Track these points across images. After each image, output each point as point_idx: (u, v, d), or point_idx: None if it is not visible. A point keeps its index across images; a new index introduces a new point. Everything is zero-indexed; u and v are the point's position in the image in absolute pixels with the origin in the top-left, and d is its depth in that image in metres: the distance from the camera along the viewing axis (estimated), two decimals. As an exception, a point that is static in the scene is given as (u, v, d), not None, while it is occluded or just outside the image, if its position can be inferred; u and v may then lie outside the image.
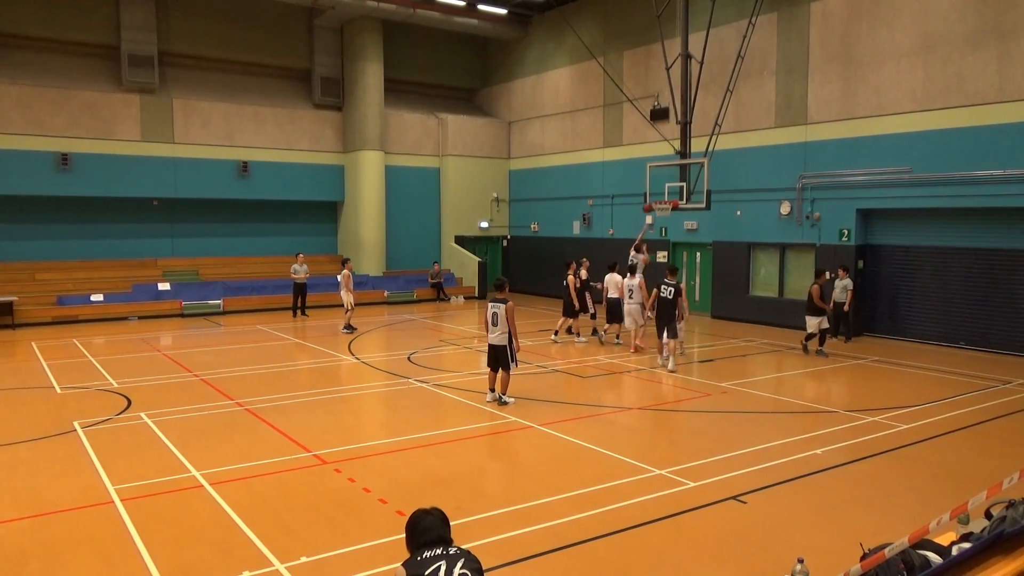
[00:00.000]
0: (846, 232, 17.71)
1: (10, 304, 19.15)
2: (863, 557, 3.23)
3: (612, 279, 16.48)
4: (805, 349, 15.25)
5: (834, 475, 7.90)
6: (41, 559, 5.86)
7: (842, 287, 16.46)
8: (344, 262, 19.84)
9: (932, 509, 6.54)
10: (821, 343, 15.15)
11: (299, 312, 21.47)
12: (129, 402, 11.01)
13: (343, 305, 18.76)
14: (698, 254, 21.96)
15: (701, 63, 18.91)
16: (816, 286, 14.90)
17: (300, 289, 21.32)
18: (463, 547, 3.45)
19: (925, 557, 3.21)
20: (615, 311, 16.31)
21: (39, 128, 21.15)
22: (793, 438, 9.23)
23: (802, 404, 11.14)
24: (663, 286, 13.89)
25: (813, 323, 15.01)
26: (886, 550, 3.10)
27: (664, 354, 13.84)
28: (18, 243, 21.79)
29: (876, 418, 10.22)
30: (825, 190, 18.12)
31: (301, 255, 21.43)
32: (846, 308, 16.47)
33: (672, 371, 13.37)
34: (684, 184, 19.04)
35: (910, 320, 17.09)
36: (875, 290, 17.72)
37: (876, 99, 16.98)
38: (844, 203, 17.74)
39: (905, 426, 9.78)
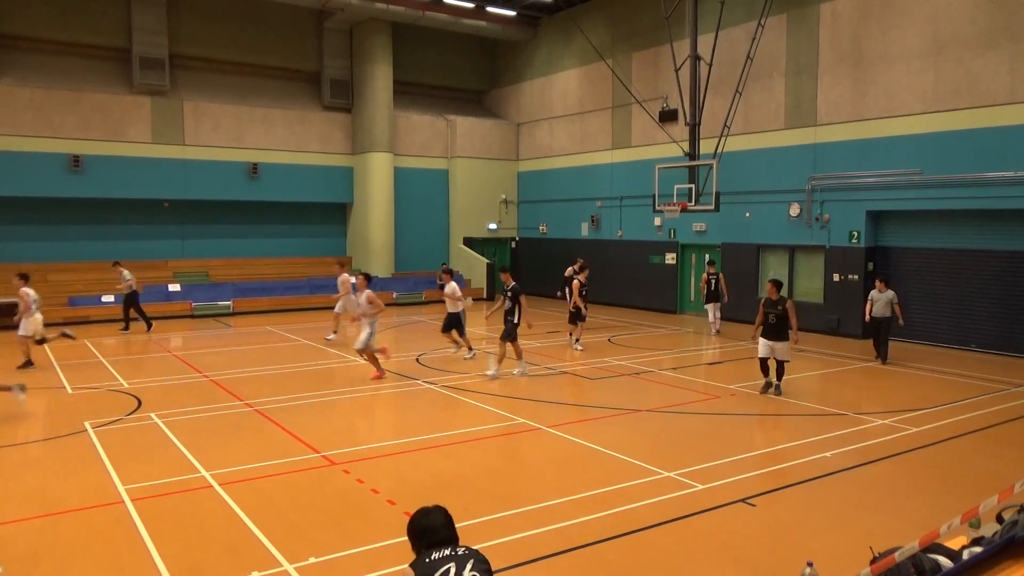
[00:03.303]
0: (856, 234, 17.64)
1: (12, 305, 19.22)
2: (873, 561, 3.21)
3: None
4: (768, 388, 11.75)
5: (844, 478, 7.86)
6: (52, 558, 5.90)
7: (886, 301, 14.34)
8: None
9: (943, 513, 6.50)
10: (779, 375, 11.76)
11: (129, 323, 18.88)
12: (139, 402, 11.07)
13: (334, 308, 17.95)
14: (707, 256, 21.90)
15: (710, 64, 18.88)
16: (791, 301, 11.70)
17: (132, 299, 18.72)
18: (472, 547, 3.44)
19: (936, 561, 3.19)
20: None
21: (51, 130, 21.30)
22: (802, 441, 9.19)
23: (811, 407, 11.09)
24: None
25: (783, 349, 11.61)
26: (896, 554, 3.08)
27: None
28: (30, 244, 21.95)
29: (886, 421, 10.16)
30: (835, 192, 18.05)
31: (121, 262, 19.20)
32: (900, 322, 14.46)
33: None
34: (693, 186, 19.01)
35: (920, 322, 16.99)
36: (885, 292, 17.64)
37: (886, 100, 16.91)
38: (854, 205, 17.67)
39: (915, 429, 9.72)
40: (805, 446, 8.96)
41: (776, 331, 11.52)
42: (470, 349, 14.94)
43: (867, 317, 14.76)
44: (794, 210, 18.86)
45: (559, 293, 18.29)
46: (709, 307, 18.63)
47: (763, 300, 11.87)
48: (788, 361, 11.82)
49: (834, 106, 17.97)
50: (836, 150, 17.96)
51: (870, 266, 17.51)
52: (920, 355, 15.51)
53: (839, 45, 17.80)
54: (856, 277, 17.60)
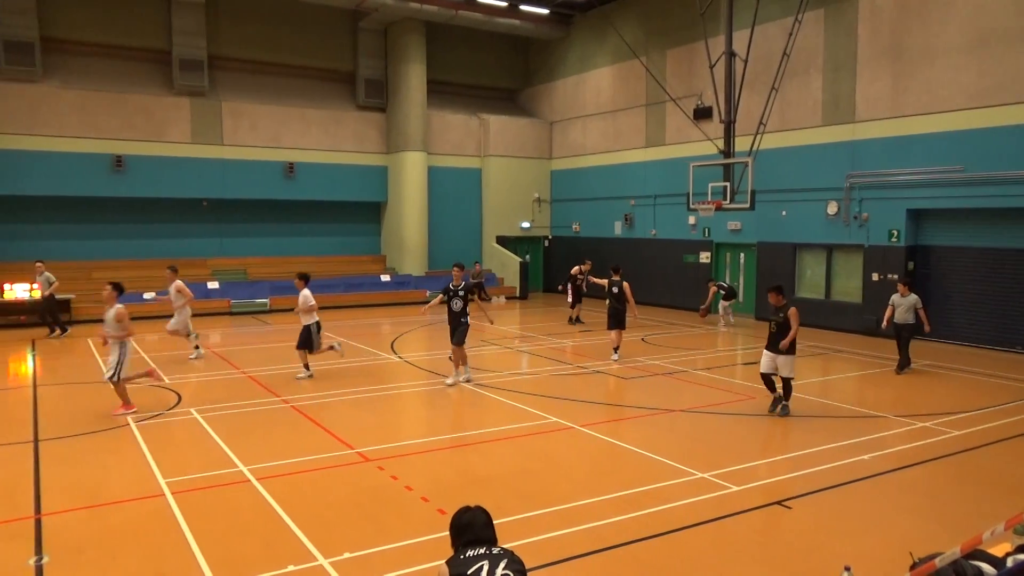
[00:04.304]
0: (896, 233, 17.30)
1: (67, 302, 19.81)
2: (913, 566, 3.17)
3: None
4: (777, 406, 10.48)
5: (882, 481, 7.72)
6: (96, 548, 6.06)
7: (908, 305, 13.30)
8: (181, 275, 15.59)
9: (986, 519, 6.36)
10: (786, 394, 10.47)
11: (58, 329, 17.89)
12: (179, 398, 11.30)
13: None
14: (742, 255, 21.67)
15: (745, 61, 18.67)
16: (795, 308, 10.24)
17: (51, 302, 17.94)
18: (506, 547, 3.46)
19: (978, 568, 3.13)
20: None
21: (95, 131, 21.83)
22: (840, 443, 9.04)
23: (849, 408, 10.91)
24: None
25: (786, 364, 10.33)
26: (937, 560, 3.03)
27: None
28: (75, 243, 22.52)
29: (927, 423, 9.96)
30: (874, 190, 17.73)
31: (41, 263, 18.22)
32: (927, 328, 13.39)
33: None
34: (728, 184, 18.81)
35: (963, 323, 16.61)
36: (926, 293, 17.21)
37: (927, 96, 16.55)
38: (894, 203, 17.33)
39: (957, 432, 9.51)
40: (842, 448, 8.82)
41: (778, 341, 10.20)
42: (307, 369, 12.99)
43: (884, 323, 13.55)
44: (832, 208, 18.56)
45: (560, 287, 20.37)
46: (724, 304, 19.54)
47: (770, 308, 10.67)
48: (793, 378, 10.47)
49: (873, 102, 17.64)
50: (875, 147, 17.63)
51: (910, 265, 17.16)
52: (962, 357, 15.17)
53: (879, 40, 17.47)
54: (896, 277, 17.25)
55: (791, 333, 10.05)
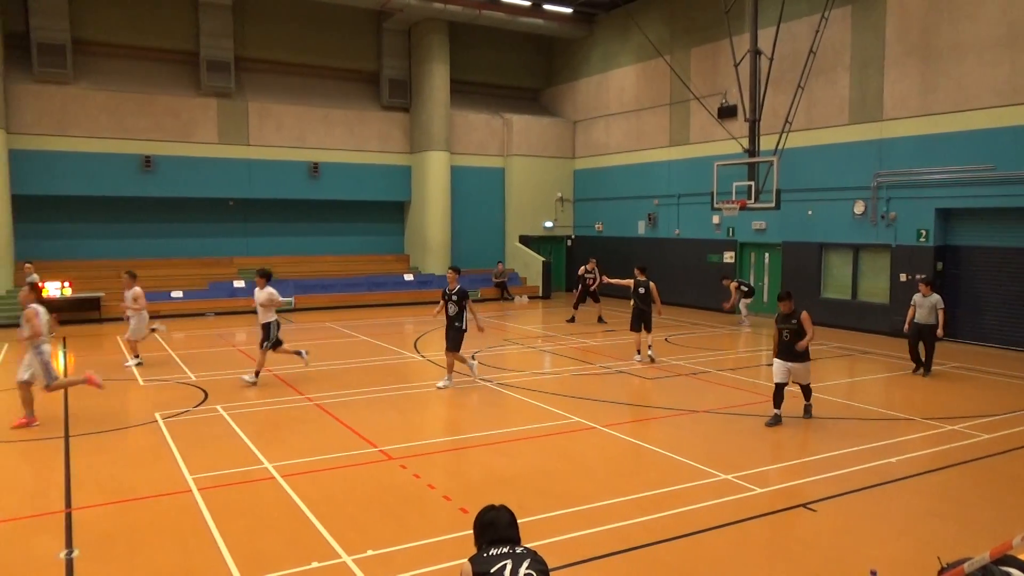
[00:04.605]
0: (924, 233, 17.05)
1: (97, 300, 20.17)
2: (941, 571, 3.13)
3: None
4: (778, 421, 9.94)
5: (910, 485, 7.62)
6: (124, 542, 6.16)
7: (930, 306, 12.88)
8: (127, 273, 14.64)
9: (1015, 524, 6.26)
10: (807, 395, 10.29)
11: None
12: (206, 395, 11.46)
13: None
14: (766, 255, 21.48)
15: (771, 59, 18.51)
16: (807, 313, 10.02)
17: None
18: (529, 547, 3.47)
19: (1008, 573, 3.08)
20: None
21: (124, 132, 22.17)
22: (866, 445, 8.94)
23: (875, 410, 10.78)
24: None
25: (802, 371, 10.03)
26: (965, 565, 2.99)
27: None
28: (105, 241, 22.92)
29: (955, 427, 9.81)
30: (902, 189, 17.48)
31: (30, 264, 18.09)
32: (939, 333, 12.88)
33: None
34: (753, 183, 18.68)
35: (993, 325, 16.32)
36: (955, 293, 16.98)
37: (957, 94, 16.28)
38: (922, 202, 17.07)
39: (987, 436, 9.36)
40: (869, 451, 8.71)
41: (792, 349, 9.87)
42: (256, 376, 12.40)
43: (906, 325, 13.16)
44: (859, 208, 18.34)
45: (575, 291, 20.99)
46: (743, 304, 19.63)
47: (776, 316, 10.28)
48: (810, 384, 10.23)
49: (901, 100, 17.39)
50: (903, 146, 17.38)
51: (939, 265, 16.90)
52: (992, 359, 14.90)
53: (907, 37, 17.22)
54: (924, 277, 16.99)
55: (809, 336, 9.85)
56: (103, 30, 22.72)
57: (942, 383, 12.80)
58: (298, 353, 12.96)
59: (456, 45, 26.95)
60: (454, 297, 12.02)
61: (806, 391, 10.27)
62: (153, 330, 14.03)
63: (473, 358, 12.86)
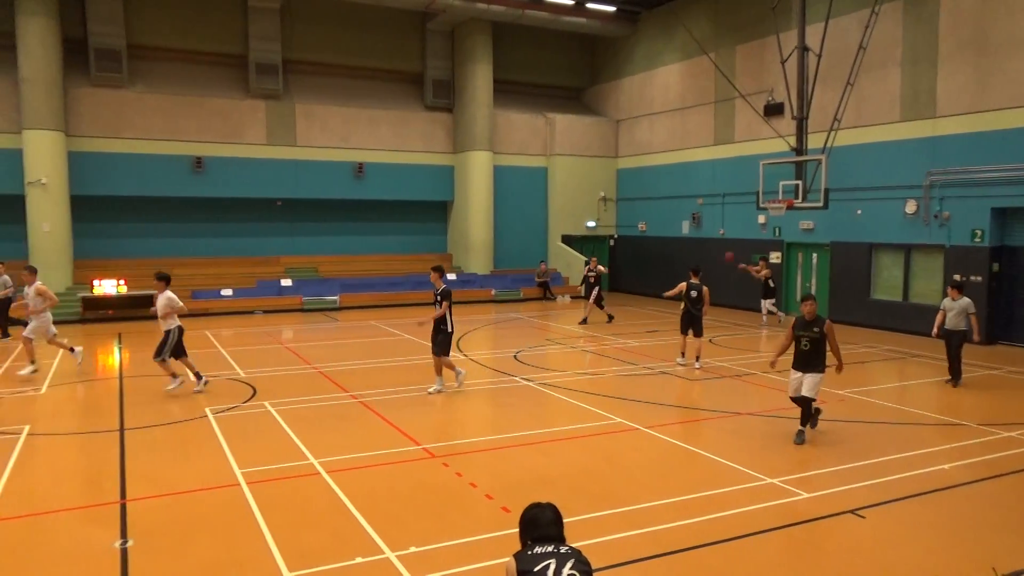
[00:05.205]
0: (979, 233, 16.53)
1: (151, 297, 20.60)
2: (994, 582, 3.04)
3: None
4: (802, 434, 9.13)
5: (963, 493, 7.41)
6: (173, 535, 6.33)
7: (960, 310, 12.13)
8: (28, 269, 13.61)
9: (1076, 534, 6.04)
10: (804, 416, 9.16)
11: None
12: (254, 391, 11.70)
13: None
14: (814, 255, 21.06)
15: (819, 55, 18.15)
16: (830, 322, 9.18)
17: (3, 305, 16.82)
18: (574, 546, 3.47)
19: (1066, 586, 2.98)
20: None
21: (176, 134, 22.76)
22: (917, 451, 8.71)
23: (928, 415, 10.50)
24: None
25: (811, 383, 9.07)
26: (1021, 576, 2.90)
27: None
28: (158, 241, 23.57)
29: (1012, 433, 9.50)
30: (955, 187, 16.98)
31: (1, 264, 17.20)
32: (976, 337, 12.27)
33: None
34: (800, 182, 18.35)
35: (1053, 328, 15.77)
36: (1012, 295, 16.45)
37: (1013, 89, 15.76)
38: (977, 201, 16.56)
39: (1046, 443, 9.05)
40: (921, 457, 8.49)
41: (810, 360, 9.01)
42: (197, 378, 11.86)
43: (935, 330, 12.35)
44: (910, 207, 17.87)
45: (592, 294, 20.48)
46: (767, 302, 19.62)
47: (793, 322, 9.36)
48: (815, 400, 9.12)
49: (955, 96, 16.90)
50: (957, 143, 16.88)
51: (995, 266, 16.38)
52: (1052, 363, 14.39)
53: (961, 32, 16.72)
54: (980, 278, 16.49)
55: (836, 347, 9.06)
56: (156, 35, 23.35)
57: (997, 387, 12.40)
58: (71, 350, 13.52)
59: (499, 45, 27.02)
60: (437, 297, 11.63)
61: (807, 408, 9.14)
62: (72, 350, 13.26)
63: (461, 368, 12.30)
